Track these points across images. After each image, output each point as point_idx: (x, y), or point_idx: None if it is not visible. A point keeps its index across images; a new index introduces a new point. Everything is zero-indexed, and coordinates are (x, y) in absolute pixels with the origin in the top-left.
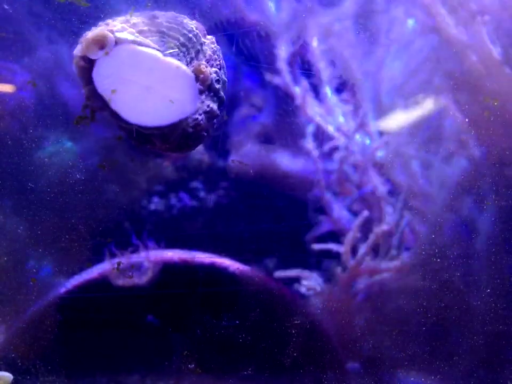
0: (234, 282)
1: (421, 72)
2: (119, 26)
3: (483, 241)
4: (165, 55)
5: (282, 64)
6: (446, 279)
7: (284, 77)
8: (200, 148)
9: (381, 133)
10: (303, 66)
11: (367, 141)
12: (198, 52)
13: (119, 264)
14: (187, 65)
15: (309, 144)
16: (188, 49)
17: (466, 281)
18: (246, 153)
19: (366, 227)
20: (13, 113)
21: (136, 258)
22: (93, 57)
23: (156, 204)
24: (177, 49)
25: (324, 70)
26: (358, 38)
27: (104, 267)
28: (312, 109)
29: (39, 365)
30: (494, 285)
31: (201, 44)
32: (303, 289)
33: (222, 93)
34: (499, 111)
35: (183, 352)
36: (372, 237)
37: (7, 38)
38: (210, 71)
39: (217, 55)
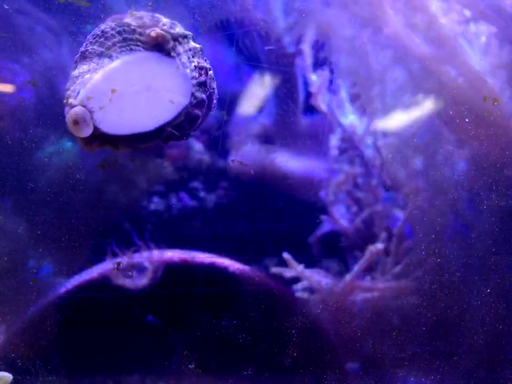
0: (234, 282)
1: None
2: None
3: (483, 241)
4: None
5: (306, 47)
6: (446, 279)
7: (305, 60)
8: (200, 147)
9: (382, 133)
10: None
11: (369, 140)
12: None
13: (119, 264)
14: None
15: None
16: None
17: (466, 281)
18: (246, 153)
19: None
20: (13, 113)
21: (136, 258)
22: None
23: (155, 204)
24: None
25: (338, 63)
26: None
27: (104, 267)
28: (324, 100)
29: (39, 365)
30: (494, 285)
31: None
32: (299, 291)
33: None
34: (499, 111)
35: (183, 352)
36: (366, 255)
37: (7, 38)
38: (160, 30)
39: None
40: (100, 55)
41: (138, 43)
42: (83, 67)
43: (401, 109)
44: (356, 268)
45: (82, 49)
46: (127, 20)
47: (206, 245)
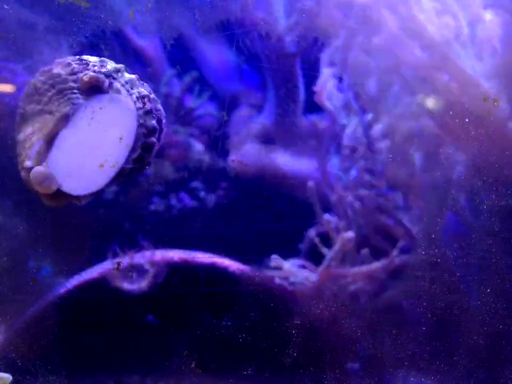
0: (234, 282)
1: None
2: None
3: (483, 241)
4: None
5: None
6: (446, 279)
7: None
8: (200, 147)
9: (382, 133)
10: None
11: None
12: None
13: (119, 264)
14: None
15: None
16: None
17: (466, 281)
18: (246, 153)
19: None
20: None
21: (136, 258)
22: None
23: (156, 204)
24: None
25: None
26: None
27: (104, 267)
28: (329, 97)
29: (39, 365)
30: (494, 285)
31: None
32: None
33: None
34: (499, 111)
35: (183, 352)
36: (338, 243)
37: (7, 38)
38: (92, 73)
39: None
40: (40, 112)
41: (74, 91)
42: (27, 129)
43: (402, 109)
44: (329, 256)
45: (20, 111)
46: (56, 70)
47: (206, 245)
